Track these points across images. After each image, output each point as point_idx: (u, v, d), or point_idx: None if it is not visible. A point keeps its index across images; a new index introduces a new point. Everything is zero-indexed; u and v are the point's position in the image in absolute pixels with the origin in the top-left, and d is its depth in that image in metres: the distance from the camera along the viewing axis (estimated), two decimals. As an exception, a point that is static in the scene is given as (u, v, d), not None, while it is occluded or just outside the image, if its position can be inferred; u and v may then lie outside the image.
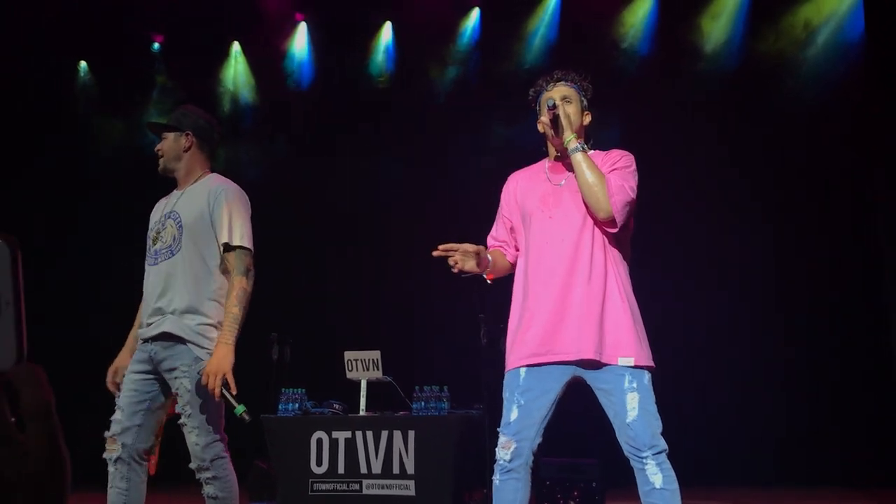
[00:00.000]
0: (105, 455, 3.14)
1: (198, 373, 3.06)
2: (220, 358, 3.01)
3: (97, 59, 8.98)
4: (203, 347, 3.11)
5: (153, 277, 3.26)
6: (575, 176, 2.84)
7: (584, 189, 2.80)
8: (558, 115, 2.88)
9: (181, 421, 3.13)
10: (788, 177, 7.26)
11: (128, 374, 3.23)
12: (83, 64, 9.13)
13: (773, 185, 7.31)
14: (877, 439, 6.62)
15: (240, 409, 2.98)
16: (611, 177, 2.81)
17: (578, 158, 2.83)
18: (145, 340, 3.20)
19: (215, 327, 3.14)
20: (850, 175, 7.01)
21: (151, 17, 8.63)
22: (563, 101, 2.94)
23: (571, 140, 2.86)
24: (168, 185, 3.47)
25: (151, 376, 3.20)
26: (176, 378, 3.11)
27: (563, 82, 3.00)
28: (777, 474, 6.76)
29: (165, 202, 3.42)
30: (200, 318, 3.14)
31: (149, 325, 3.20)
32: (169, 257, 3.22)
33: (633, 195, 2.81)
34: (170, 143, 3.38)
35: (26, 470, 0.54)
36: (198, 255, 3.20)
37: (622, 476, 3.10)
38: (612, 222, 2.79)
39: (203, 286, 3.18)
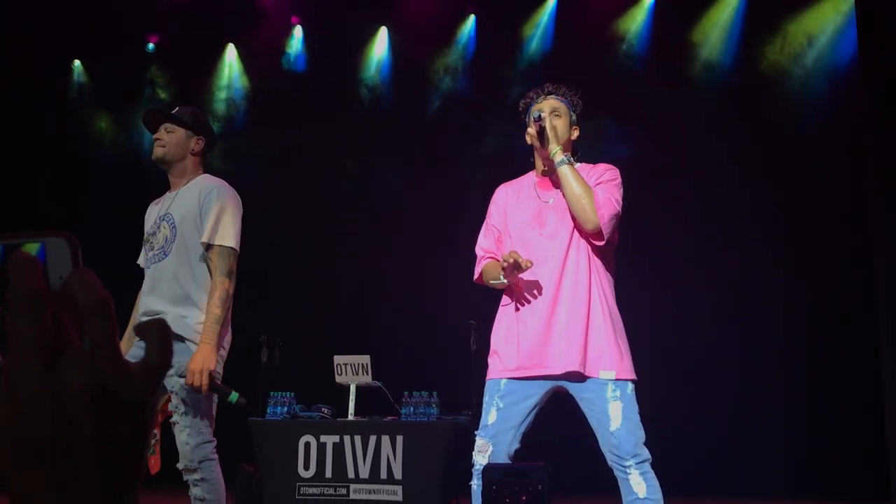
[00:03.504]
0: None
1: (180, 376, 3.05)
2: (203, 356, 3.00)
3: (92, 59, 8.98)
4: None
5: (150, 278, 3.26)
6: (562, 189, 2.86)
7: (572, 201, 2.82)
8: (544, 127, 2.90)
9: (173, 419, 3.12)
10: (786, 186, 7.27)
11: None
12: (77, 63, 9.12)
13: (770, 195, 7.32)
14: (871, 452, 6.60)
15: (234, 396, 3.01)
16: (597, 189, 2.83)
17: (565, 171, 2.85)
18: None
19: None
20: (848, 187, 7.01)
21: (147, 18, 8.63)
22: (551, 114, 2.96)
23: (557, 153, 2.88)
24: (158, 185, 3.46)
25: None
26: (171, 376, 3.10)
27: (553, 96, 3.02)
28: (763, 485, 6.76)
29: (159, 204, 3.41)
30: (198, 316, 3.13)
31: None
32: (163, 258, 3.22)
33: (618, 208, 2.84)
34: (179, 139, 3.36)
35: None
36: (191, 255, 3.20)
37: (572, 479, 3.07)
38: (599, 234, 2.82)
39: (198, 285, 3.18)
